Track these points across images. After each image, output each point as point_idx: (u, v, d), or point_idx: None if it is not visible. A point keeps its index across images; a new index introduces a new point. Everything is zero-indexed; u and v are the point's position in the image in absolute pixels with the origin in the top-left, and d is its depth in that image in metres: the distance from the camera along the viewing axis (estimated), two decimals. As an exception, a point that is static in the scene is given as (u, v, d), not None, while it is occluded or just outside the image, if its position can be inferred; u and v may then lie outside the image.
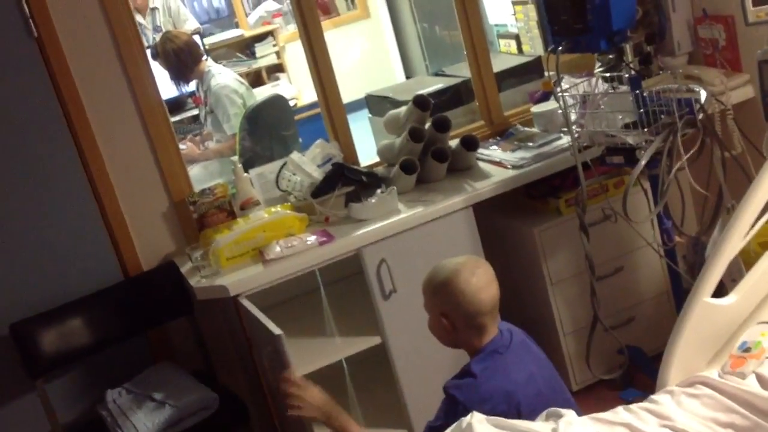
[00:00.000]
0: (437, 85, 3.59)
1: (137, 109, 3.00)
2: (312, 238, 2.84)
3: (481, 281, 2.07)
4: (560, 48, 2.73)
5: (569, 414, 1.86)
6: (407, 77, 6.88)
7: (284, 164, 3.20)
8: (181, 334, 3.11)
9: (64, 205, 2.95)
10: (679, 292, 2.95)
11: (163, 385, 2.83)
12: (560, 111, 3.08)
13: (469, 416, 1.87)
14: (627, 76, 2.73)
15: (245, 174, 3.15)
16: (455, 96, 3.55)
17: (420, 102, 3.16)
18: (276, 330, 2.45)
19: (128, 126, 3.00)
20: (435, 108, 3.23)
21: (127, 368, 2.96)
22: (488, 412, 1.87)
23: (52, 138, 2.91)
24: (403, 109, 3.26)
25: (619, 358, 3.08)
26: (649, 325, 3.20)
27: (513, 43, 4.33)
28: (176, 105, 5.23)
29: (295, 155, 3.16)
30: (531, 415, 1.93)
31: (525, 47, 4.28)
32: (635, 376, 3.07)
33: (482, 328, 2.09)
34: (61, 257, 2.96)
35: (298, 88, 5.94)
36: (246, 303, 2.71)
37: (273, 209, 3.01)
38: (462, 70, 3.75)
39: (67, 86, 2.89)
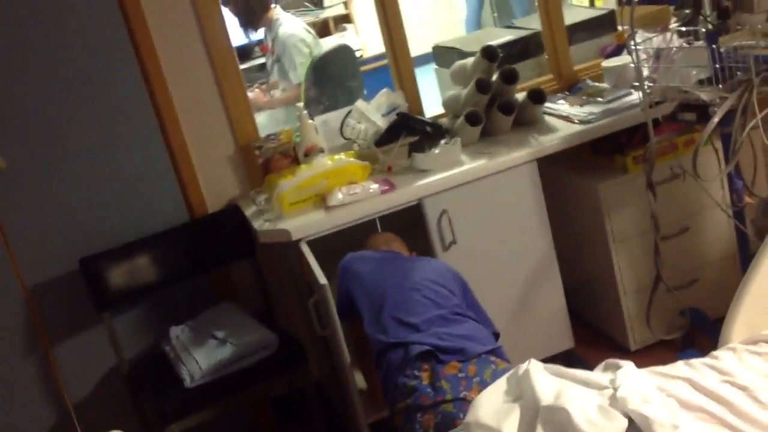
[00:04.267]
0: (506, 37, 3.53)
1: (207, 53, 3.03)
2: (374, 187, 2.85)
3: (379, 233, 2.85)
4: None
5: (628, 365, 1.84)
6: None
7: (349, 112, 3.20)
8: (242, 276, 3.17)
9: (134, 147, 3.00)
10: (747, 256, 2.88)
11: (225, 324, 2.88)
12: (632, 65, 3.03)
13: (526, 363, 1.87)
14: (704, 30, 2.65)
15: (310, 121, 3.17)
16: (524, 48, 3.49)
17: (488, 53, 3.12)
18: (322, 279, 2.48)
19: (198, 69, 3.04)
20: (503, 60, 3.18)
21: (190, 307, 3.03)
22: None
23: (124, 80, 2.95)
24: (470, 60, 3.22)
25: (679, 319, 3.04)
26: (712, 288, 3.14)
27: (585, -4, 4.25)
28: (244, 53, 5.22)
29: (360, 103, 3.16)
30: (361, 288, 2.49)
31: (597, 2, 4.18)
32: (696, 338, 3.03)
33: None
34: (131, 197, 3.02)
35: (364, 39, 5.92)
36: (304, 248, 2.74)
37: (336, 156, 3.03)
38: (532, 23, 3.68)
39: (140, 28, 2.92)
